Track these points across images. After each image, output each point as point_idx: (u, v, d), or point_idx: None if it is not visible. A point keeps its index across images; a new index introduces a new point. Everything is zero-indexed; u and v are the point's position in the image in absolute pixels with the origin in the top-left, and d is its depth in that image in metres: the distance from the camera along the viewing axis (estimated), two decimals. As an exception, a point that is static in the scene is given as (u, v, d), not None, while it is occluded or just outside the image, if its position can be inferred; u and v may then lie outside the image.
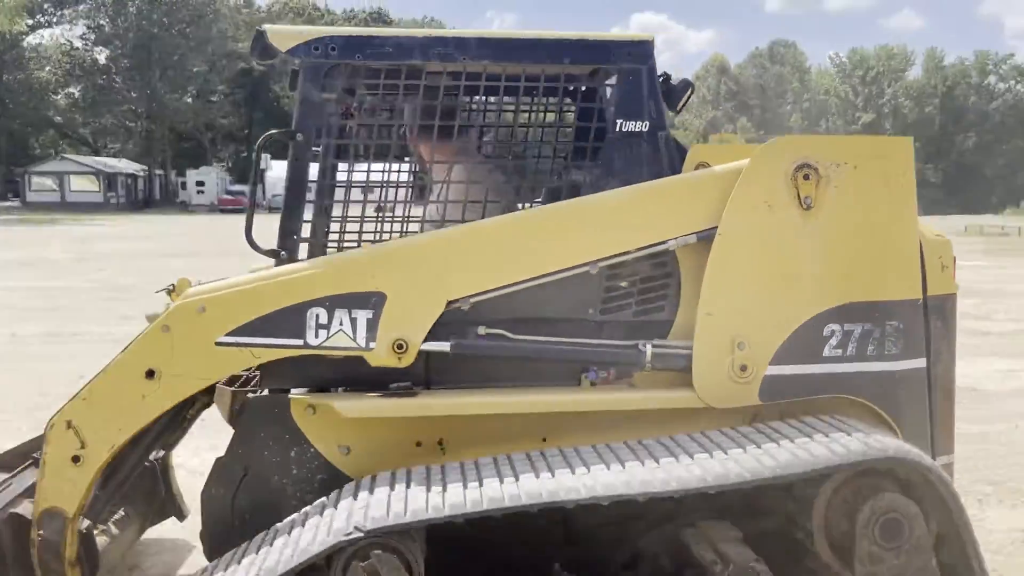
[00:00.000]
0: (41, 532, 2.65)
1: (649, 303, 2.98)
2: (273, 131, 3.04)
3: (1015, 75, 72.10)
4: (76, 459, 2.70)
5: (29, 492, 2.93)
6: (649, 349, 2.87)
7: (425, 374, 2.90)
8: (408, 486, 2.49)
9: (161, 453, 3.68)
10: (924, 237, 2.98)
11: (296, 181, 2.94)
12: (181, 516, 3.94)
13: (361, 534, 2.30)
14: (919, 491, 2.57)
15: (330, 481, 2.83)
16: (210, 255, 21.02)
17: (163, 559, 4.01)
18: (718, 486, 2.40)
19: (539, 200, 3.31)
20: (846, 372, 2.89)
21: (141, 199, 57.12)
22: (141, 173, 59.75)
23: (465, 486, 2.44)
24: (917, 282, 2.93)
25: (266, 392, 2.94)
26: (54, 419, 2.71)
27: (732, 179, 2.83)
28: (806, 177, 2.81)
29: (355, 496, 2.50)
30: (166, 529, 4.04)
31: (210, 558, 2.80)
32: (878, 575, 2.53)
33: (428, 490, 2.45)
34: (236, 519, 2.85)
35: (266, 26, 2.92)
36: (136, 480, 3.34)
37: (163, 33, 61.05)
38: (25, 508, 2.85)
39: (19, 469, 3.15)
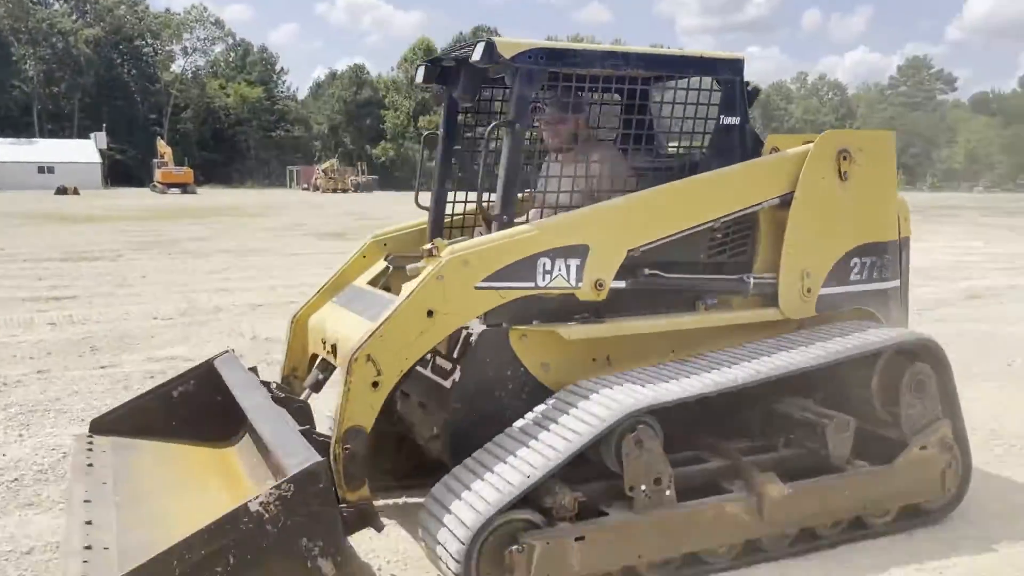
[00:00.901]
0: (348, 446, 3.12)
1: (737, 247, 4.10)
2: (496, 122, 3.76)
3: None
4: (375, 384, 3.23)
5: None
6: (752, 280, 4.00)
7: (596, 307, 3.76)
8: (652, 382, 3.45)
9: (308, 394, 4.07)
10: None
11: (513, 162, 3.68)
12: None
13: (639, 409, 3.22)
14: (929, 359, 3.99)
15: (534, 393, 3.61)
16: None
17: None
18: (845, 358, 3.72)
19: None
20: (862, 291, 4.25)
21: None
22: None
23: (696, 377, 3.51)
24: (896, 228, 4.37)
25: (484, 327, 3.61)
26: (356, 354, 3.20)
27: (802, 160, 4.05)
28: (844, 158, 4.09)
29: (620, 386, 3.39)
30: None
31: (451, 458, 3.46)
32: (913, 415, 3.91)
33: (672, 381, 3.46)
34: (470, 427, 3.52)
35: (495, 38, 3.63)
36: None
37: None
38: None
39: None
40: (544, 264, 3.54)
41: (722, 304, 4.05)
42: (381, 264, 4.32)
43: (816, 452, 3.79)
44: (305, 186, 60.83)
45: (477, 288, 3.42)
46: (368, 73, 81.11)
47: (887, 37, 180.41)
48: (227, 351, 4.38)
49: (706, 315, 3.98)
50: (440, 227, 4.41)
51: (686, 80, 4.09)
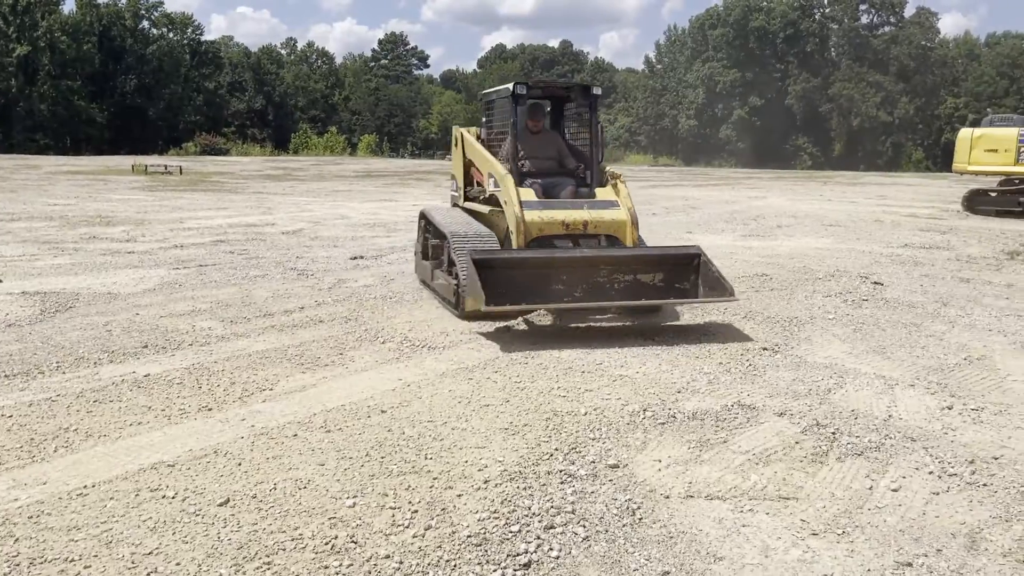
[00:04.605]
0: None
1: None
2: (599, 124, 7.63)
3: (166, 22, 78.77)
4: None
5: None
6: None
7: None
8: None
9: None
10: None
11: (599, 137, 8.05)
12: None
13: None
14: None
15: None
16: None
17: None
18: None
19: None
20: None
21: None
22: None
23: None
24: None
25: None
26: (634, 217, 7.38)
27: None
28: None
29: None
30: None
31: None
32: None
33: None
34: None
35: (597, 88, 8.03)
36: None
37: None
38: None
39: None
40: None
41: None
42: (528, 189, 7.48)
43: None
44: None
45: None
46: None
47: (372, 11, 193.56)
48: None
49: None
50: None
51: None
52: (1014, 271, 10.61)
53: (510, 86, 7.79)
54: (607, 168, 8.03)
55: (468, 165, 8.58)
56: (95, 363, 5.60)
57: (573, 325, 7.03)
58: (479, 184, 8.28)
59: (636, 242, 7.34)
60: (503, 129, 8.31)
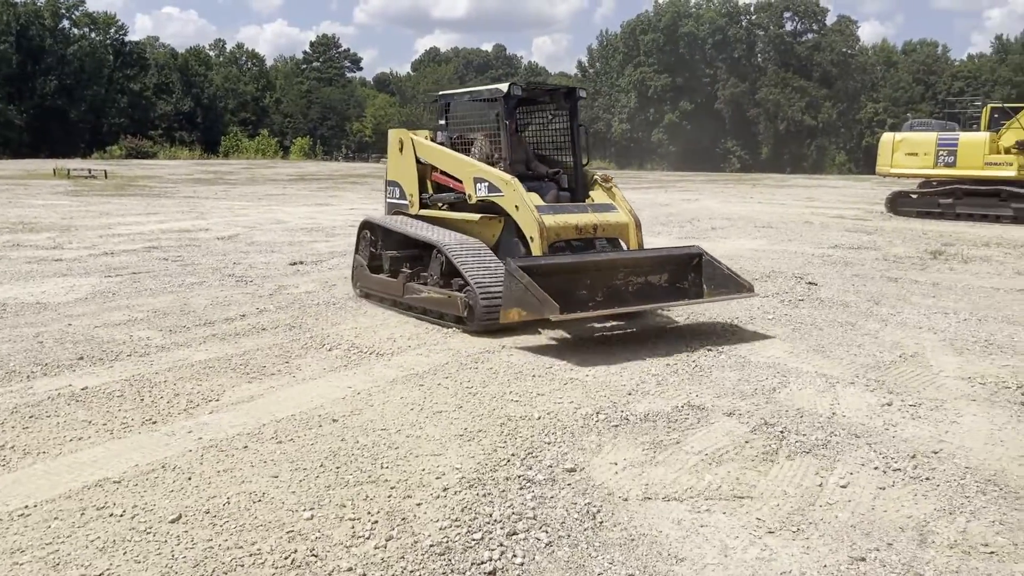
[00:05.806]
0: None
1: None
2: (582, 125, 7.65)
3: (88, 22, 76.21)
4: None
5: None
6: None
7: None
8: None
9: None
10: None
11: (582, 140, 8.05)
12: None
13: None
14: None
15: None
16: None
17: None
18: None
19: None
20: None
21: None
22: None
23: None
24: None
25: None
26: (638, 220, 7.47)
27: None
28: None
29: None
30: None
31: None
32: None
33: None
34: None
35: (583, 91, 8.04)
36: None
37: None
38: None
39: None
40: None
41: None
42: (531, 194, 7.19)
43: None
44: None
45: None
46: None
47: (304, 13, 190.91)
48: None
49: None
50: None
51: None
52: (938, 270, 11.03)
53: (502, 86, 7.55)
54: (597, 173, 8.03)
55: (425, 170, 8.08)
56: (28, 376, 5.38)
57: (590, 336, 6.99)
58: (452, 189, 7.82)
59: (641, 244, 7.35)
60: (468, 132, 8.09)
